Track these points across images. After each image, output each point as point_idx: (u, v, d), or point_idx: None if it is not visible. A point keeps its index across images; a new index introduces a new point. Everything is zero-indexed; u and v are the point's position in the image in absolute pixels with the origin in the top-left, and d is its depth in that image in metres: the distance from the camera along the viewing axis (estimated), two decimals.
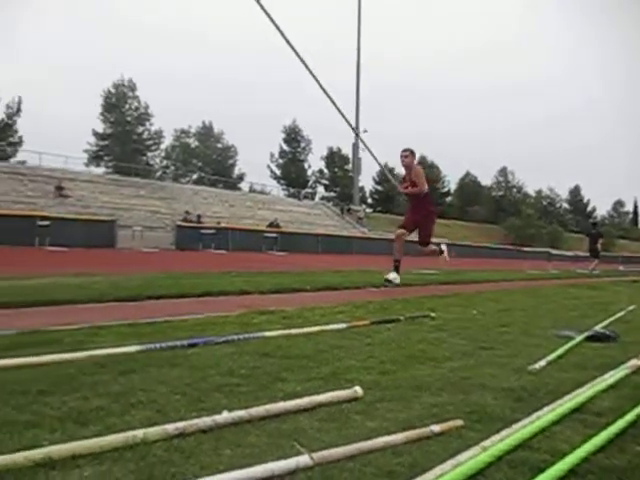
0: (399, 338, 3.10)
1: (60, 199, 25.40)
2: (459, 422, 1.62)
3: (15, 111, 43.30)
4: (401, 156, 7.47)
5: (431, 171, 69.00)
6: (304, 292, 5.75)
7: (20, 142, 42.97)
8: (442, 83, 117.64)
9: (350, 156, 46.63)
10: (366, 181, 65.46)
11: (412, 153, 7.53)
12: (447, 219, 58.05)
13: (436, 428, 1.54)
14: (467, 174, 75.03)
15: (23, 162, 34.51)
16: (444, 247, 8.33)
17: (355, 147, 40.08)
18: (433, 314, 4.10)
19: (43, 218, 20.16)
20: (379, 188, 67.50)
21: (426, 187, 7.40)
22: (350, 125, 7.68)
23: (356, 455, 1.37)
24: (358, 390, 1.88)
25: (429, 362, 2.52)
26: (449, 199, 73.60)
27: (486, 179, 76.70)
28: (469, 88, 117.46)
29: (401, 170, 7.85)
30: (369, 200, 67.31)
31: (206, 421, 1.51)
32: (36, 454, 1.27)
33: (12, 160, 37.21)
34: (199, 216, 27.45)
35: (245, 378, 2.07)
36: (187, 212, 27.40)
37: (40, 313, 3.65)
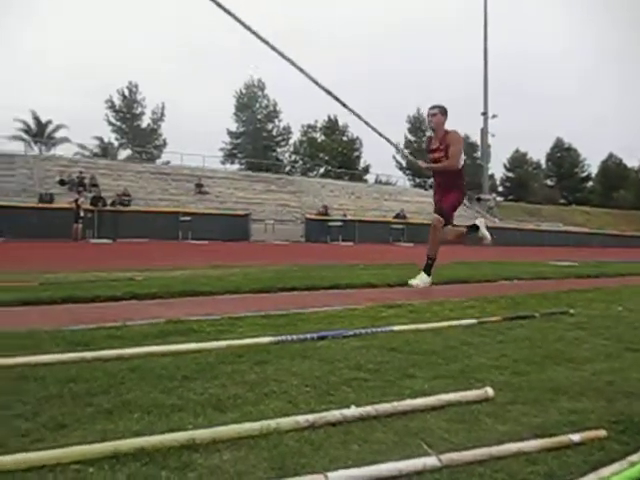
0: (534, 336, 2.94)
1: (200, 196, 27.30)
2: (602, 432, 1.50)
3: (159, 116, 47.15)
4: (428, 114, 5.75)
5: (568, 154, 64.30)
6: (432, 285, 5.65)
7: (164, 144, 46.77)
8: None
9: (478, 143, 44.82)
10: (496, 168, 62.42)
11: (443, 111, 5.69)
12: (588, 206, 53.69)
13: (576, 437, 1.44)
14: (610, 156, 68.78)
15: (167, 162, 37.55)
16: (479, 222, 6.29)
17: (483, 132, 38.45)
18: (572, 310, 3.83)
19: (185, 214, 21.84)
20: (511, 175, 64.26)
21: (462, 160, 5.66)
22: (383, 136, 5.79)
23: (486, 460, 1.33)
24: (489, 391, 1.81)
25: (567, 363, 2.36)
26: (590, 184, 68.01)
27: (633, 161, 69.72)
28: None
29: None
30: (500, 188, 64.31)
31: (335, 414, 1.55)
32: (181, 436, 1.38)
33: (158, 161, 40.68)
34: (326, 208, 28.01)
35: (373, 373, 2.09)
36: (325, 207, 27.92)
37: (184, 303, 3.97)
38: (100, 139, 44.56)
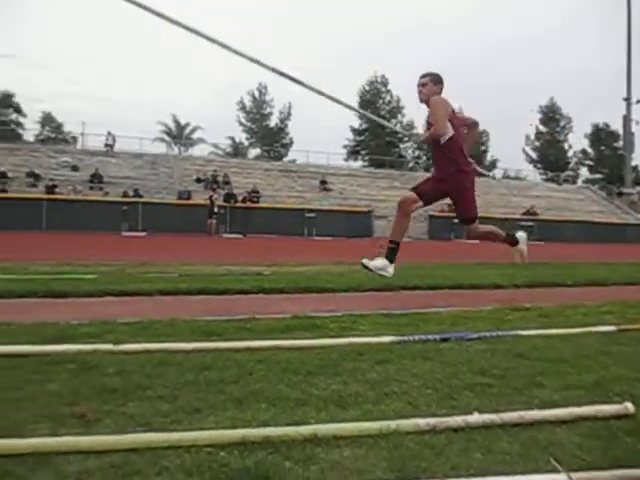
0: None
1: (324, 193, 27.89)
2: None
3: (286, 116, 48.81)
4: (417, 85, 4.62)
5: None
6: (564, 287, 5.30)
7: (291, 143, 48.32)
8: None
9: (620, 131, 41.02)
10: None
11: (435, 80, 4.59)
12: None
13: None
14: None
15: (293, 161, 38.81)
16: (522, 236, 5.31)
17: (626, 120, 35.09)
18: None
19: (310, 210, 22.43)
20: None
21: (448, 128, 4.46)
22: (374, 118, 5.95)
23: None
24: (629, 406, 1.67)
25: None
26: None
27: None
28: None
29: None
30: None
31: (457, 420, 1.52)
32: (305, 430, 1.44)
33: (284, 159, 42.18)
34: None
35: (498, 379, 2.01)
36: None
37: (309, 299, 4.09)
38: (232, 139, 47.13)
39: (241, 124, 47.64)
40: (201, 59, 73.01)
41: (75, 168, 24.11)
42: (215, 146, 44.43)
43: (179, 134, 45.80)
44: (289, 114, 48.94)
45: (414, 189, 4.60)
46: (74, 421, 1.52)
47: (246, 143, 48.11)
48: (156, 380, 1.89)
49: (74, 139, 38.37)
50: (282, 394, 1.78)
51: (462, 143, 4.59)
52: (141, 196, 21.43)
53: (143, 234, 18.37)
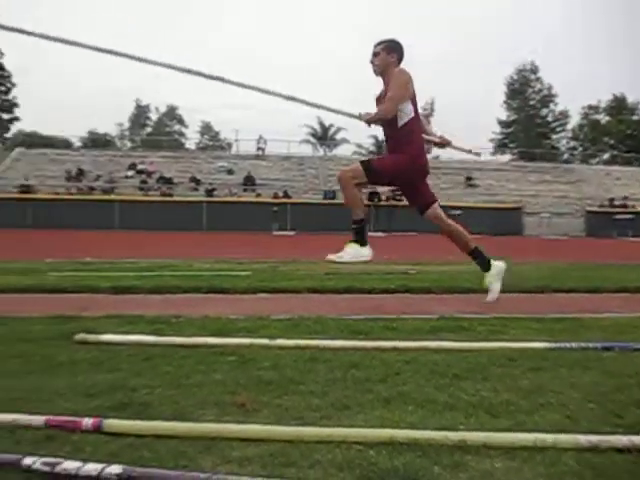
0: None
1: (469, 189, 27.00)
2: None
3: (430, 112, 48.01)
4: (371, 54, 3.88)
5: None
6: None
7: None
8: None
9: None
10: None
11: (388, 48, 3.84)
12: None
13: None
14: None
15: (437, 157, 38.03)
16: (497, 266, 3.89)
17: None
18: None
19: (455, 207, 21.82)
20: None
21: (407, 111, 3.73)
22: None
23: None
24: None
25: None
26: None
27: None
28: None
29: None
30: None
31: (622, 440, 1.40)
32: (454, 436, 1.42)
33: (427, 156, 41.53)
34: (612, 200, 24.95)
35: None
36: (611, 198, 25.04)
37: (454, 299, 4.00)
38: (375, 138, 47.47)
39: None
40: (340, 63, 74.56)
41: (230, 172, 25.94)
42: (358, 146, 45.07)
43: (324, 135, 47.14)
44: (432, 110, 48.04)
45: (362, 162, 3.87)
46: (235, 410, 1.65)
47: None
48: (307, 375, 1.98)
49: (229, 145, 41.25)
50: (429, 397, 1.77)
51: (421, 129, 3.93)
52: (290, 197, 22.47)
53: (292, 233, 19.24)
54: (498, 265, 3.85)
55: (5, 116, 46.92)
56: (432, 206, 3.93)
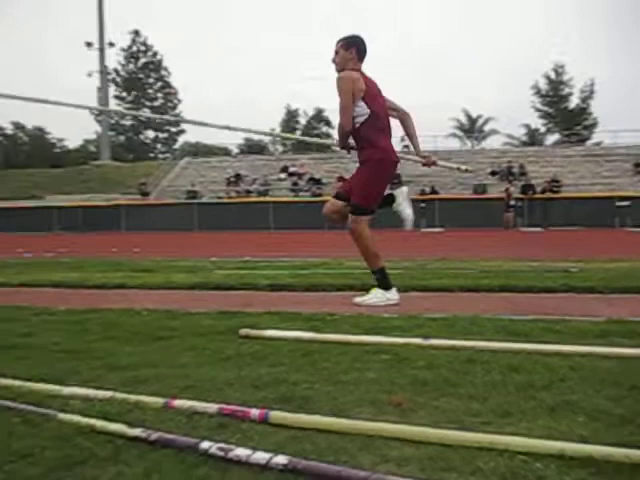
0: None
1: (639, 177, 24.29)
2: None
3: (589, 94, 44.01)
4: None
5: None
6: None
7: (595, 124, 43.39)
8: None
9: None
10: None
11: (346, 44, 3.61)
12: None
13: None
14: None
15: (599, 143, 34.75)
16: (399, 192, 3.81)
17: None
18: None
19: (622, 198, 19.80)
20: None
21: (360, 114, 3.51)
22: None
23: None
24: None
25: None
26: None
27: None
28: None
29: None
30: None
31: None
32: (635, 455, 1.27)
33: (588, 143, 38.05)
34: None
35: None
36: None
37: (626, 300, 3.63)
38: (527, 127, 44.75)
39: (537, 110, 44.80)
40: (486, 49, 71.33)
41: None
42: (509, 136, 42.83)
43: (471, 128, 45.49)
44: (592, 92, 44.04)
45: (351, 211, 3.74)
46: (391, 409, 1.66)
47: (543, 129, 45.08)
48: (464, 377, 1.93)
49: None
50: (601, 408, 1.62)
51: (382, 126, 3.62)
52: (437, 192, 22.03)
53: (440, 230, 18.85)
54: (393, 294, 3.64)
55: (173, 129, 51.97)
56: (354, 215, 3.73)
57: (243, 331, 2.66)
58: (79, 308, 3.55)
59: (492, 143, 42.87)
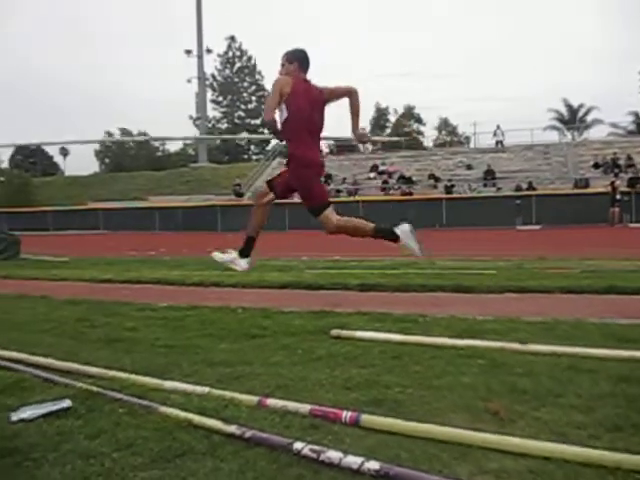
0: None
1: None
2: None
3: None
4: None
5: None
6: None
7: None
8: None
9: None
10: None
11: (289, 58, 3.92)
12: None
13: None
14: None
15: None
16: (404, 229, 3.69)
17: None
18: None
19: None
20: None
21: (280, 111, 3.78)
22: None
23: None
24: None
25: None
26: None
27: None
28: None
29: None
30: None
31: None
32: None
33: None
34: None
35: None
36: None
37: None
38: (636, 114, 41.55)
39: None
40: (585, 35, 67.07)
41: (469, 167, 25.35)
42: (614, 125, 39.92)
43: (572, 118, 42.96)
44: None
45: (268, 181, 3.99)
46: (488, 417, 1.59)
47: None
48: (567, 387, 1.81)
49: (467, 139, 40.36)
50: None
51: (306, 125, 3.81)
52: (534, 188, 21.01)
53: (537, 227, 17.96)
54: (404, 230, 3.73)
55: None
56: (323, 213, 3.76)
57: (334, 331, 2.67)
58: (179, 305, 3.72)
59: (596, 134, 40.29)
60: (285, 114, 3.88)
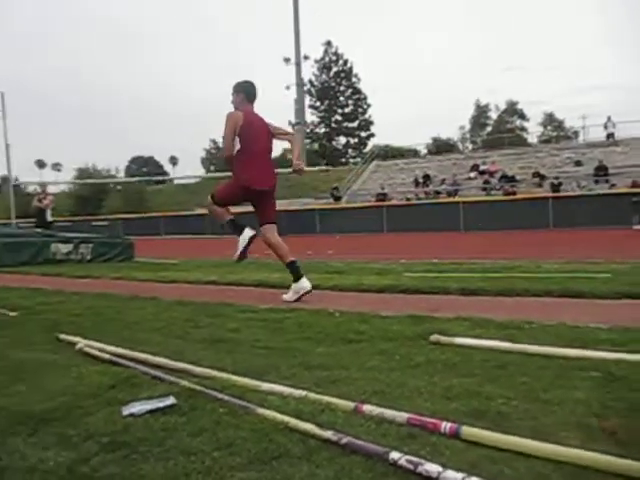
0: None
1: None
2: None
3: None
4: None
5: None
6: None
7: None
8: None
9: None
10: None
11: (235, 90, 4.54)
12: None
13: None
14: None
15: None
16: (246, 232, 4.53)
17: None
18: None
19: None
20: None
21: (235, 143, 4.41)
22: None
23: None
24: None
25: None
26: None
27: None
28: None
29: None
30: None
31: None
32: None
33: None
34: None
35: None
36: None
37: None
38: None
39: None
40: None
41: (578, 163, 23.84)
42: None
43: None
44: None
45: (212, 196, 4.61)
46: (604, 437, 1.46)
47: None
48: None
49: (575, 134, 38.08)
50: None
51: (251, 159, 4.41)
52: None
53: None
54: (304, 283, 4.27)
55: (363, 134, 53.51)
56: (265, 226, 4.50)
57: (433, 337, 2.59)
58: (278, 307, 3.79)
59: None
60: (238, 146, 4.42)
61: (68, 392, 2.00)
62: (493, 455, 1.36)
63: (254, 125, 4.43)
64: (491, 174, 24.52)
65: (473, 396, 1.79)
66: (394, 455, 1.35)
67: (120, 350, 2.58)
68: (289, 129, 4.74)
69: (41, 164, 78.60)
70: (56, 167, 78.34)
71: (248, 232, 4.48)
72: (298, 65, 36.92)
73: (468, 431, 1.47)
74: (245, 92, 4.54)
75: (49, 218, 12.72)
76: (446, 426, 1.51)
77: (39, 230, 10.81)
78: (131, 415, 1.74)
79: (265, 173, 4.49)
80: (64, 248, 9.35)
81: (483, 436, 1.44)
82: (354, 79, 53.39)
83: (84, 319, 3.58)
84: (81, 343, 2.73)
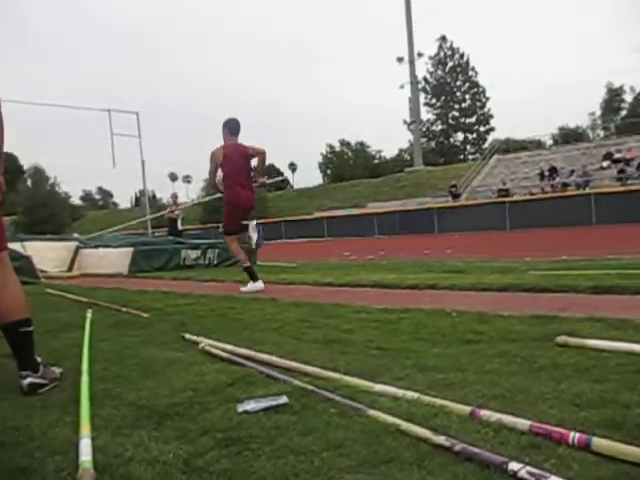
0: None
1: None
2: None
3: None
4: None
5: None
6: None
7: None
8: None
9: None
10: None
11: (223, 126, 5.82)
12: None
13: None
14: None
15: None
16: (252, 225, 5.96)
17: None
18: None
19: None
20: None
21: (218, 177, 5.89)
22: None
23: None
24: None
25: None
26: None
27: None
28: None
29: None
30: None
31: None
32: None
33: None
34: None
35: None
36: None
37: None
38: None
39: None
40: None
41: None
42: None
43: None
44: None
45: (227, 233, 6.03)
46: None
47: None
48: None
49: None
50: None
51: (234, 182, 5.68)
52: None
53: None
54: (258, 284, 5.58)
55: (482, 129, 51.59)
56: (228, 237, 6.00)
57: (561, 339, 2.38)
58: (393, 307, 3.72)
59: None
60: (220, 174, 5.75)
61: (190, 389, 2.09)
62: (629, 471, 1.20)
63: (233, 156, 5.62)
64: (627, 162, 22.46)
65: (607, 404, 1.61)
66: (514, 466, 1.25)
67: (238, 349, 2.66)
68: (261, 148, 5.73)
69: (173, 177, 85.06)
70: (186, 179, 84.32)
71: (259, 285, 5.52)
72: (412, 63, 36.50)
73: (600, 443, 1.31)
74: (229, 127, 5.74)
75: (180, 227, 13.69)
76: (575, 436, 1.36)
77: (171, 238, 11.63)
78: (245, 412, 1.78)
79: (244, 192, 5.71)
80: (193, 254, 9.96)
81: (618, 449, 1.28)
82: (471, 72, 51.67)
83: (208, 320, 3.76)
84: (204, 342, 2.87)
